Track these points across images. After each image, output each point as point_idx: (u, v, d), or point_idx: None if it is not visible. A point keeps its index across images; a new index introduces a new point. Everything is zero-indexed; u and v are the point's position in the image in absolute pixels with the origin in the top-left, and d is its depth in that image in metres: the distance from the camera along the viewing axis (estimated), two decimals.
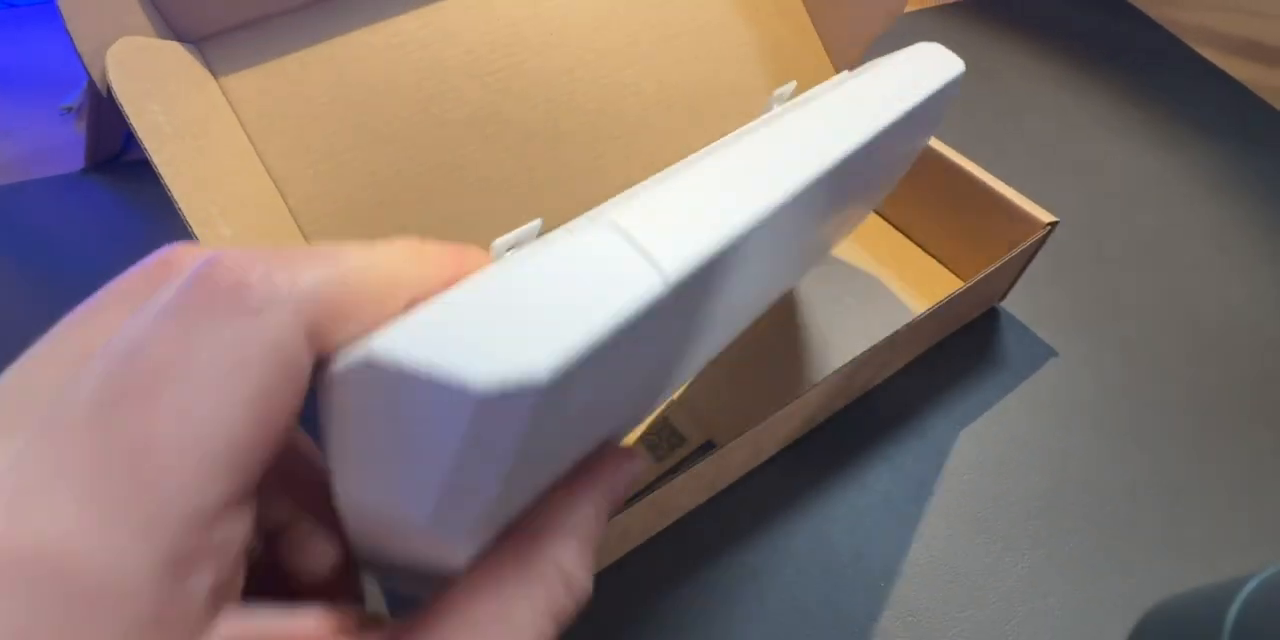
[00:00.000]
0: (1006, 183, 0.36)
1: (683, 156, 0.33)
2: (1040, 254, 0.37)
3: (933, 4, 0.58)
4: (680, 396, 0.35)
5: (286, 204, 0.30)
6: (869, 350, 0.30)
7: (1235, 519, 0.32)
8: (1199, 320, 0.38)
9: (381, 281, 0.11)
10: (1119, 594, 0.30)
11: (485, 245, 0.30)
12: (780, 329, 0.39)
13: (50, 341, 0.11)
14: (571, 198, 0.35)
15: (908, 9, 0.56)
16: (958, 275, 0.41)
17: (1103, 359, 0.37)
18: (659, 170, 0.34)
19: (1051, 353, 0.37)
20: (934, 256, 0.42)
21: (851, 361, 0.30)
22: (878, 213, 0.44)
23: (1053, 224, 0.33)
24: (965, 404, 0.36)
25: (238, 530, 0.10)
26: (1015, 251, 0.33)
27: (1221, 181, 0.44)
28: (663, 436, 0.34)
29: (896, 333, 0.31)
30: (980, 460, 0.33)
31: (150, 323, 0.10)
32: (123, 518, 0.09)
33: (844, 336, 0.38)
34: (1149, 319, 0.38)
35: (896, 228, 0.43)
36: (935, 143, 0.38)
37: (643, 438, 0.34)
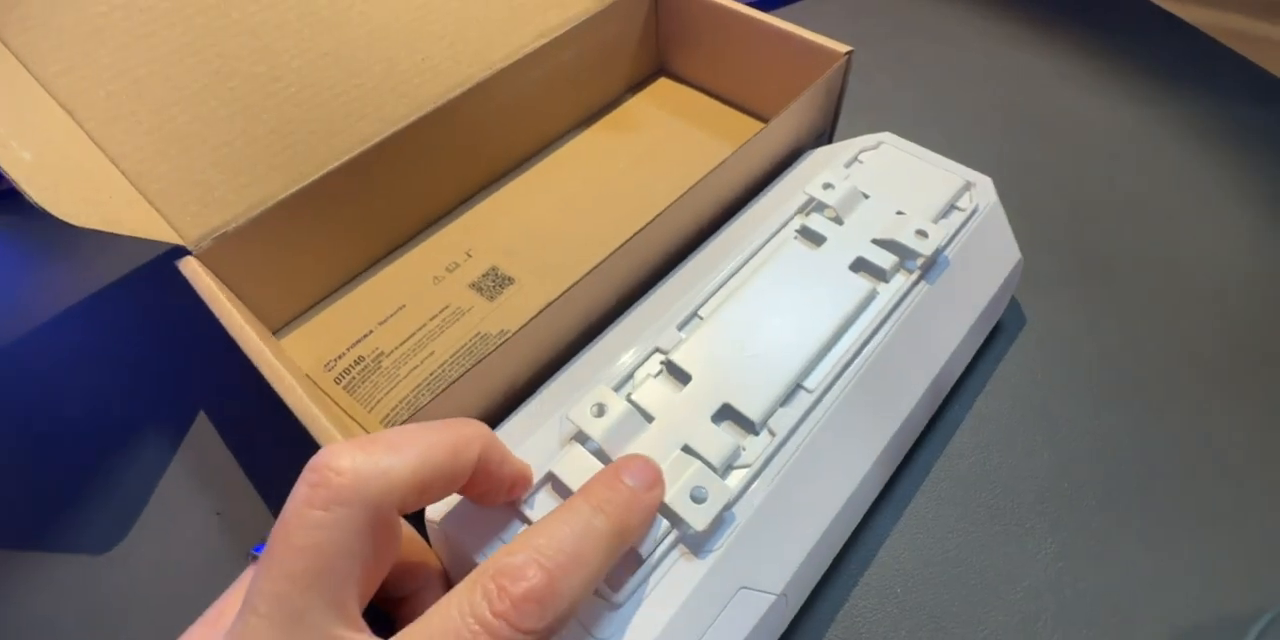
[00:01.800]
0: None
1: (508, 55, 0.34)
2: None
3: None
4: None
5: (83, 128, 0.27)
6: (694, 186, 0.28)
7: (1254, 477, 0.29)
8: (1189, 273, 0.36)
9: (442, 463, 0.17)
10: (1150, 572, 0.27)
11: (322, 163, 0.29)
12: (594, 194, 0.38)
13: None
14: (404, 102, 0.32)
15: None
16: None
17: (1096, 320, 0.34)
18: (485, 67, 0.33)
19: (1043, 318, 0.34)
20: (741, 109, 0.42)
21: (683, 196, 0.28)
22: (675, 78, 0.44)
23: (849, 52, 0.33)
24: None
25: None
26: (820, 79, 0.33)
27: (1194, 130, 0.43)
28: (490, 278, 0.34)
29: (722, 163, 0.29)
30: (982, 441, 0.30)
31: (286, 516, 0.15)
32: None
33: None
34: (1138, 276, 0.36)
35: (699, 89, 0.43)
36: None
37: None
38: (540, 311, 0.25)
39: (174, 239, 0.28)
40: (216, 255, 0.29)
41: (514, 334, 0.24)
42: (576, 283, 0.26)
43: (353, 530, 0.15)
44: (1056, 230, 0.38)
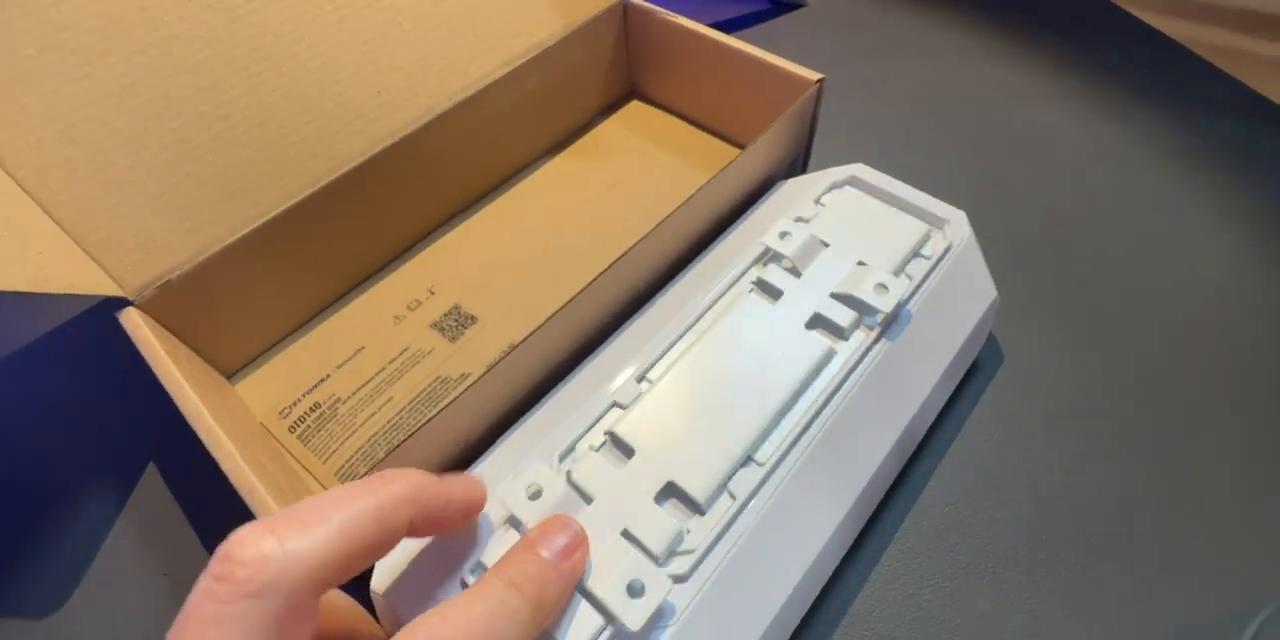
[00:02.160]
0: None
1: (469, 85, 0.32)
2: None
3: None
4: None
5: (12, 177, 0.26)
6: (662, 222, 0.27)
7: (1235, 527, 0.28)
8: (1168, 298, 0.35)
9: (371, 532, 0.16)
10: (1129, 628, 0.26)
11: (272, 205, 0.28)
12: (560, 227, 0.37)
13: None
14: (358, 139, 0.31)
15: None
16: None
17: (1075, 354, 0.33)
18: (446, 98, 0.32)
19: (1021, 353, 0.33)
20: (713, 132, 0.41)
21: (651, 233, 0.27)
22: (647, 100, 0.43)
23: (820, 80, 0.33)
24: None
25: None
26: (791, 109, 0.32)
27: (1174, 148, 0.41)
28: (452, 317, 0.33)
29: (691, 198, 0.28)
30: (957, 489, 0.29)
31: (187, 612, 0.14)
32: None
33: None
34: (1116, 304, 0.34)
35: (671, 111, 0.42)
36: (691, 24, 0.36)
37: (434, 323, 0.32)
38: (495, 363, 0.24)
39: (113, 291, 0.27)
40: (160, 304, 0.28)
41: (466, 390, 0.23)
42: (535, 331, 0.25)
43: (259, 626, 0.14)
44: (1033, 257, 0.37)
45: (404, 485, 0.17)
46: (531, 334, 0.24)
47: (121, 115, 0.27)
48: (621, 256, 0.27)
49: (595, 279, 0.26)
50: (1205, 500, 0.29)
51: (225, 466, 0.22)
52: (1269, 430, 0.31)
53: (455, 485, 0.19)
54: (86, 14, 0.26)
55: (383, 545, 0.16)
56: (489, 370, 0.24)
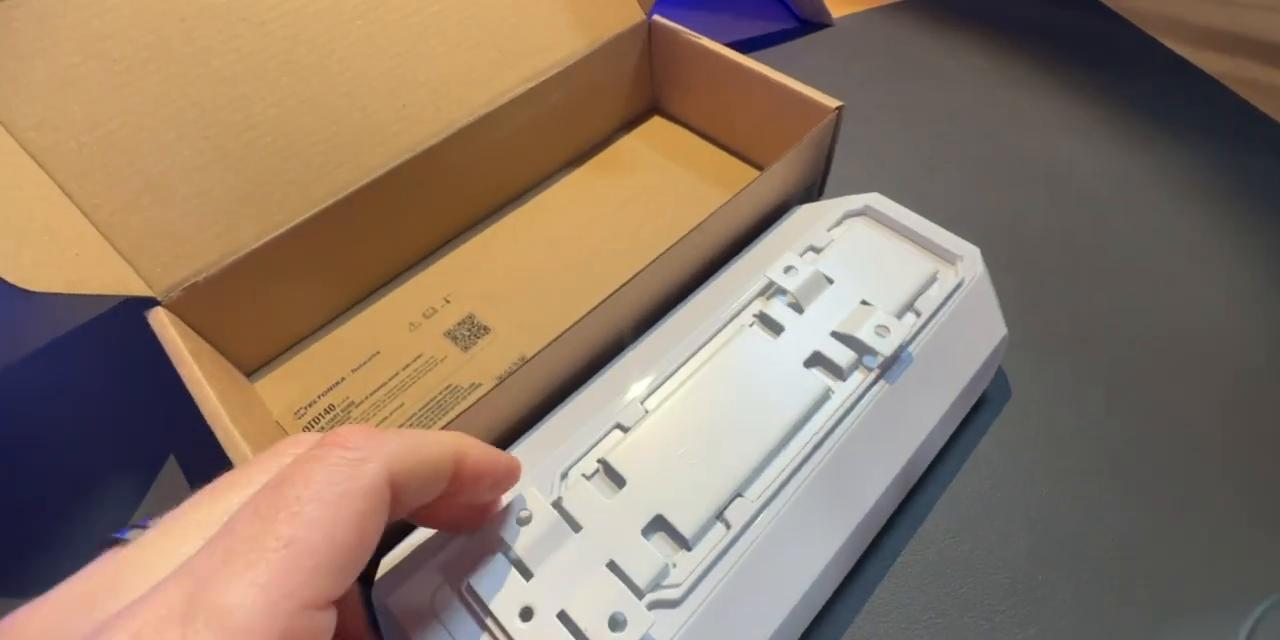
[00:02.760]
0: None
1: (491, 100, 0.33)
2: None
3: (878, 3, 0.54)
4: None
5: (55, 181, 0.27)
6: (674, 246, 0.28)
7: (1244, 574, 0.27)
8: (1182, 341, 0.34)
9: (436, 456, 0.16)
10: None
11: (298, 211, 0.29)
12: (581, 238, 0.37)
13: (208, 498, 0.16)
14: (382, 150, 0.32)
15: (855, 9, 0.53)
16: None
17: (1083, 392, 0.32)
18: (468, 113, 0.33)
19: (1030, 390, 0.32)
20: (733, 152, 0.41)
21: (663, 254, 0.27)
22: (669, 117, 0.43)
23: (839, 108, 0.33)
24: None
25: (328, 624, 0.13)
26: (808, 135, 0.32)
27: (1198, 184, 0.40)
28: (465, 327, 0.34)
29: (704, 223, 0.29)
30: (956, 523, 0.29)
31: (293, 465, 0.14)
32: (265, 592, 0.12)
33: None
34: (1129, 344, 0.34)
35: (692, 129, 0.43)
36: (714, 45, 0.37)
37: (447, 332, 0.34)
38: (505, 376, 0.24)
39: (144, 291, 0.28)
40: (187, 304, 0.29)
41: (473, 404, 0.24)
42: (544, 348, 0.25)
43: (368, 488, 0.14)
44: (1046, 292, 0.37)
45: (452, 435, 0.18)
46: (540, 351, 0.25)
47: (157, 123, 0.28)
48: (633, 277, 0.27)
49: (606, 299, 0.27)
50: (1205, 541, 0.29)
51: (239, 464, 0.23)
52: (1276, 474, 0.30)
53: (499, 453, 0.19)
54: (128, 25, 0.27)
55: (440, 471, 0.17)
56: (498, 385, 0.24)
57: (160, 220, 0.28)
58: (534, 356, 0.25)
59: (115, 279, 0.27)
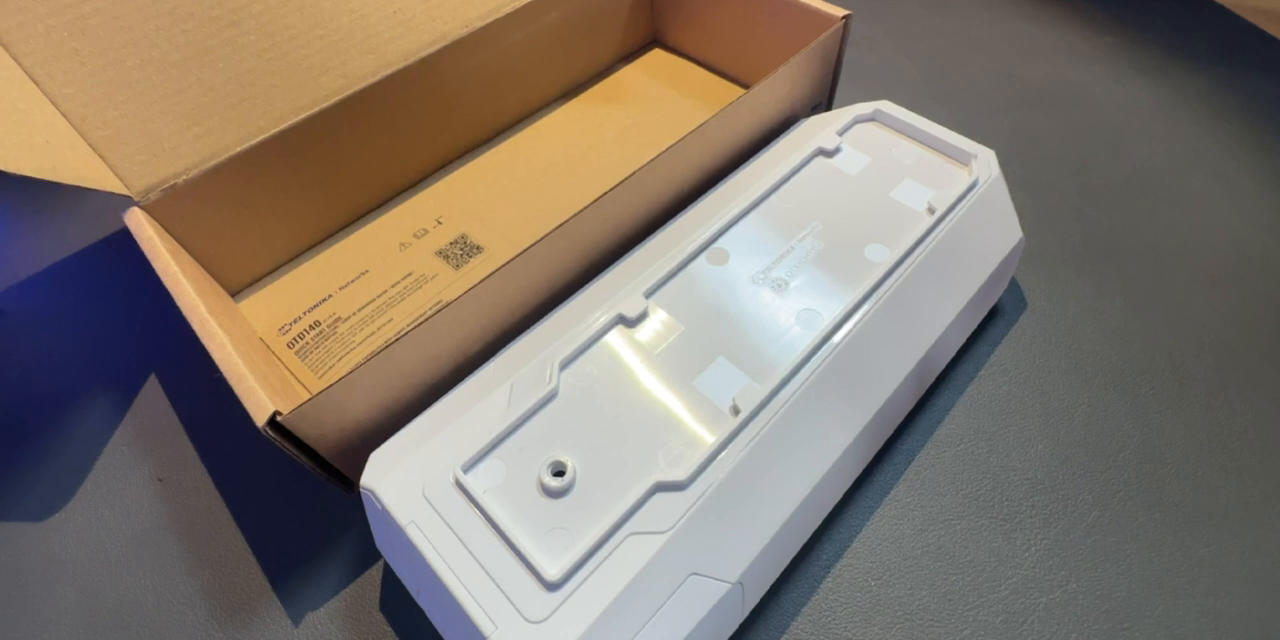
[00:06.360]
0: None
1: (488, 13, 0.32)
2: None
3: None
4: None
5: (20, 64, 0.25)
6: (673, 147, 0.27)
7: (1266, 474, 0.27)
8: (1203, 255, 0.33)
9: None
10: (1147, 573, 0.25)
11: (281, 117, 0.28)
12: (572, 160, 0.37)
13: None
14: (372, 58, 0.30)
15: None
16: None
17: (1102, 304, 0.32)
18: (463, 24, 0.32)
19: (1045, 301, 0.32)
20: (736, 81, 0.40)
21: (662, 155, 0.26)
22: (670, 49, 0.42)
23: (847, 16, 0.31)
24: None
25: None
26: (814, 43, 0.31)
27: (1211, 108, 0.40)
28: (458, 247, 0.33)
29: (705, 124, 0.28)
30: (972, 428, 0.28)
31: None
32: None
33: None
34: (1148, 257, 0.33)
35: (694, 60, 0.42)
36: None
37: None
38: (495, 270, 0.23)
39: (119, 188, 0.26)
40: (166, 208, 0.28)
41: (464, 294, 0.23)
42: (536, 242, 0.24)
43: None
44: (1062, 208, 0.36)
45: None
46: (535, 244, 0.24)
47: (132, 11, 0.26)
48: (628, 177, 0.26)
49: (601, 196, 0.25)
50: (1232, 448, 0.27)
51: (223, 365, 0.22)
52: None
53: None
54: None
55: None
56: (491, 275, 0.23)
57: (135, 116, 0.27)
58: (529, 248, 0.24)
59: (89, 171, 0.25)
